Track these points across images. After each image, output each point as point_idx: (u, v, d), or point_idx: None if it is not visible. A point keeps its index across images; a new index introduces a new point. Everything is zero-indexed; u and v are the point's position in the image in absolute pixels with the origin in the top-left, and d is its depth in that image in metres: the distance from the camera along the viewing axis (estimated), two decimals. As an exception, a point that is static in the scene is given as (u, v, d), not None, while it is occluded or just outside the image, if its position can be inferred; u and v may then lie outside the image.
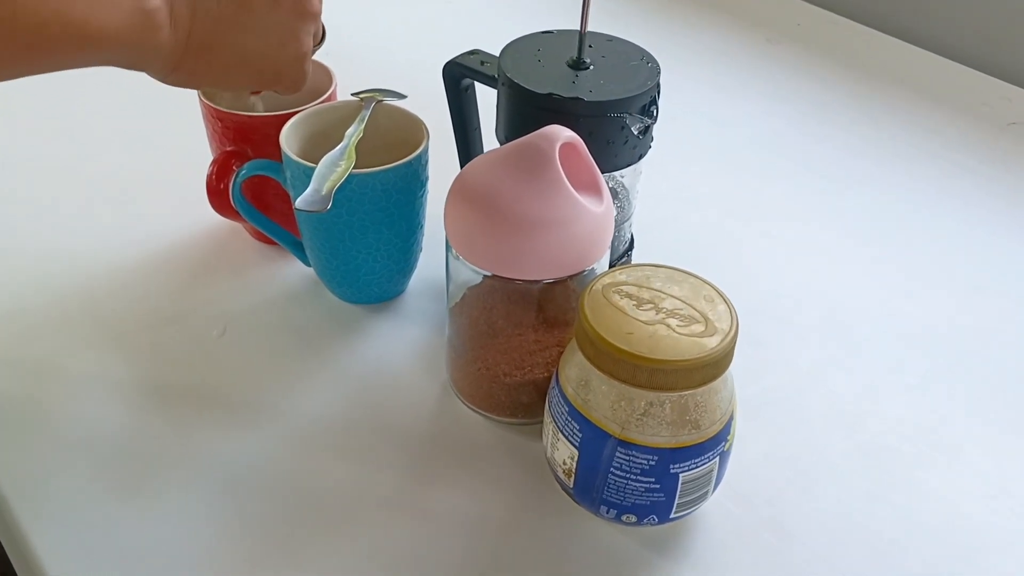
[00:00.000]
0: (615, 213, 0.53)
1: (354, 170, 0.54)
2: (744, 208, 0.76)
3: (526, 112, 0.55)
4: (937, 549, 0.50)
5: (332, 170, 0.53)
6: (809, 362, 0.61)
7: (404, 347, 0.60)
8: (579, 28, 0.56)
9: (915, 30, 1.01)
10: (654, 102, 0.56)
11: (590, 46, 0.57)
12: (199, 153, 0.65)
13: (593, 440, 0.46)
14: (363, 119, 0.59)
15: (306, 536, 0.49)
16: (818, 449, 0.55)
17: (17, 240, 0.68)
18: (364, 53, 0.90)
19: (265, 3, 0.49)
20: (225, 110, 0.61)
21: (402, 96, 0.62)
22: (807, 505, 0.52)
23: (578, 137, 0.49)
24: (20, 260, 0.66)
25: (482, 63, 0.60)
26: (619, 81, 0.55)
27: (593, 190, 0.50)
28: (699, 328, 0.45)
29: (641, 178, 0.61)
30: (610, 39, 0.59)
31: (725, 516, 0.51)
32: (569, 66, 0.56)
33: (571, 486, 0.49)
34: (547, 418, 0.50)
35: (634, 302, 0.46)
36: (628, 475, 0.46)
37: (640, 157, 0.58)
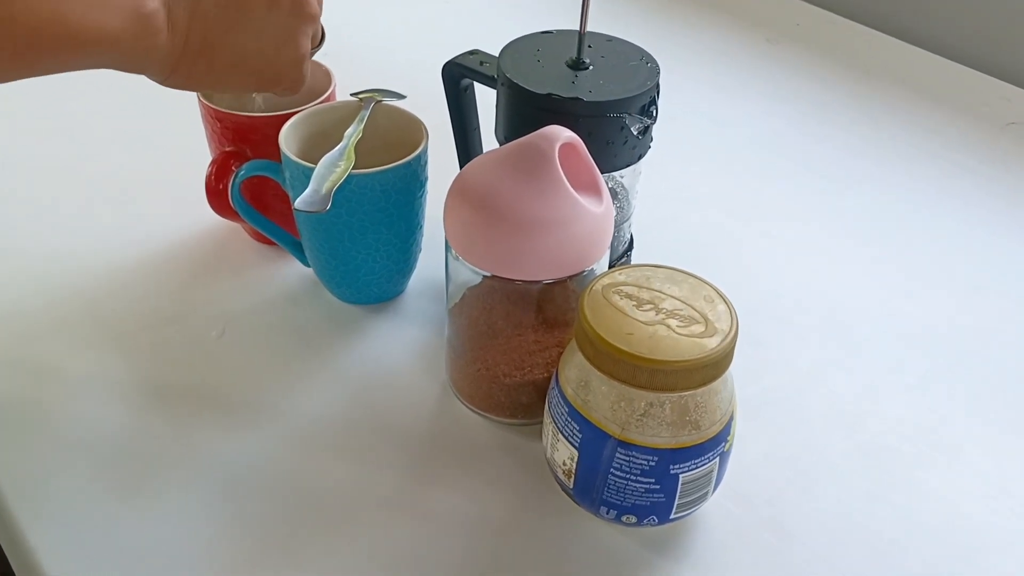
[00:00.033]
0: (615, 213, 0.53)
1: (353, 170, 0.54)
2: (744, 208, 0.76)
3: (525, 112, 0.55)
4: (937, 549, 0.50)
5: (331, 170, 0.53)
6: (809, 362, 0.61)
7: (403, 348, 0.60)
8: (578, 28, 0.56)
9: (915, 30, 1.01)
10: (654, 102, 0.56)
11: (589, 46, 0.57)
12: (198, 153, 0.65)
13: (593, 441, 0.46)
14: (362, 119, 0.59)
15: (306, 536, 0.49)
16: (818, 449, 0.55)
17: (17, 240, 0.68)
18: (363, 53, 0.90)
19: (263, 5, 0.49)
20: (224, 110, 0.61)
21: (401, 96, 0.62)
22: (807, 505, 0.52)
23: (577, 137, 0.49)
24: (20, 260, 0.66)
25: (481, 63, 0.60)
26: (618, 81, 0.55)
27: (593, 190, 0.50)
28: (699, 328, 0.45)
29: (641, 178, 0.61)
30: (609, 39, 0.59)
31: (725, 516, 0.51)
32: (568, 66, 0.56)
33: (571, 487, 0.49)
34: (547, 419, 0.50)
35: (634, 302, 0.46)
36: (628, 476, 0.46)
37: (640, 157, 0.58)
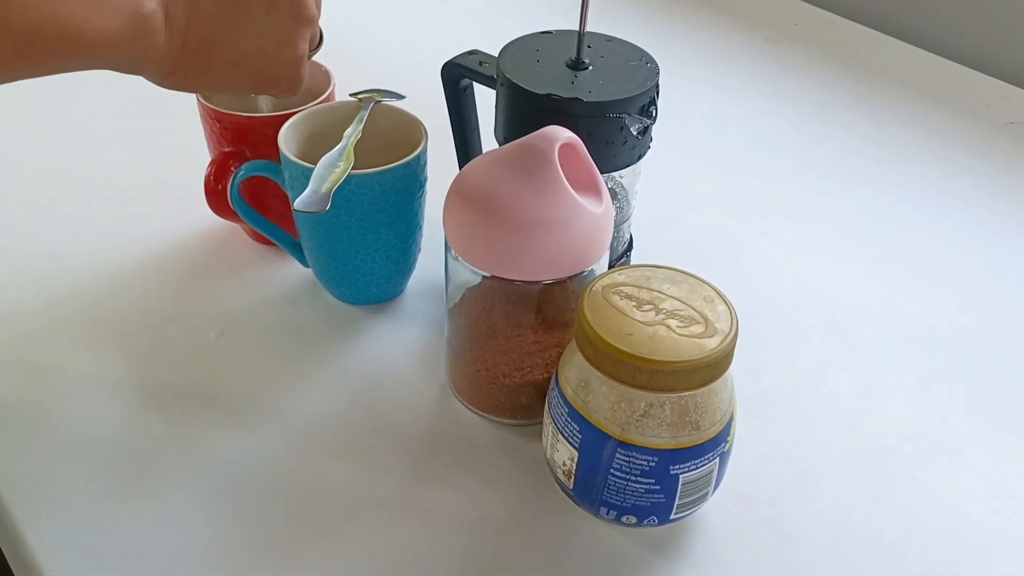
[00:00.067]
0: (614, 214, 0.53)
1: (353, 171, 0.54)
2: (744, 208, 0.75)
3: (525, 112, 0.55)
4: (937, 549, 0.50)
5: (331, 171, 0.53)
6: (809, 362, 0.61)
7: (403, 348, 0.60)
8: (578, 28, 0.56)
9: (915, 30, 1.01)
10: (653, 102, 0.56)
11: (589, 46, 0.57)
12: (198, 154, 0.65)
13: (593, 441, 0.46)
14: (361, 119, 0.59)
15: (306, 536, 0.49)
16: (818, 449, 0.55)
17: (17, 240, 0.68)
18: (363, 53, 0.90)
19: (262, 7, 0.49)
20: (223, 111, 0.61)
21: (400, 96, 0.62)
22: (807, 505, 0.52)
23: (577, 138, 0.49)
24: (19, 260, 0.66)
25: (481, 63, 0.60)
26: (618, 81, 0.55)
27: (592, 191, 0.50)
28: (699, 329, 0.45)
29: (640, 178, 0.61)
30: (609, 39, 0.59)
31: (725, 516, 0.51)
32: (568, 66, 0.56)
33: (571, 487, 0.49)
34: (547, 419, 0.50)
35: (634, 303, 0.46)
36: (628, 476, 0.46)
37: (639, 157, 0.58)
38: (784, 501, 0.52)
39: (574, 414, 0.47)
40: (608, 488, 0.47)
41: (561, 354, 0.50)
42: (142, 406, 0.56)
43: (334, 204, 0.52)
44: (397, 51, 0.93)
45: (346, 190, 0.54)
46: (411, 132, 0.59)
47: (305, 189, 0.52)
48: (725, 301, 0.46)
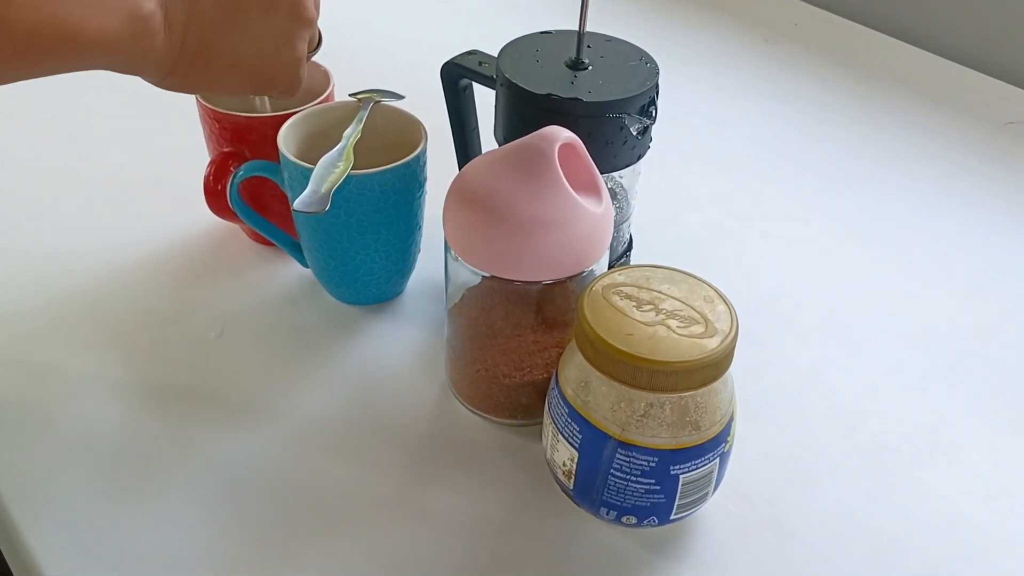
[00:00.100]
0: (614, 214, 0.53)
1: (352, 171, 0.54)
2: (744, 208, 0.75)
3: (525, 113, 0.55)
4: (937, 549, 0.50)
5: (330, 171, 0.53)
6: (809, 362, 0.61)
7: (403, 348, 0.60)
8: (578, 28, 0.56)
9: (914, 30, 1.01)
10: (653, 102, 0.56)
11: (589, 46, 0.57)
12: (198, 154, 0.65)
13: (593, 441, 0.46)
14: (361, 120, 0.59)
15: (306, 536, 0.49)
16: (818, 449, 0.55)
17: (17, 240, 0.68)
18: (362, 53, 0.90)
19: (261, 8, 0.49)
20: (223, 111, 0.61)
21: (400, 97, 0.62)
22: (807, 505, 0.52)
23: (577, 138, 0.49)
24: (19, 260, 0.66)
25: (480, 63, 0.60)
26: (618, 81, 0.55)
27: (592, 191, 0.50)
28: (699, 329, 0.45)
29: (640, 178, 0.61)
30: (609, 39, 0.59)
31: (725, 516, 0.51)
32: (568, 66, 0.56)
33: (571, 488, 0.49)
34: (547, 419, 0.50)
35: (634, 303, 0.46)
36: (628, 476, 0.46)
37: (639, 158, 0.58)
38: (784, 501, 0.52)
39: (574, 414, 0.47)
40: (608, 488, 0.47)
41: (561, 354, 0.50)
42: (142, 406, 0.56)
43: (334, 204, 0.52)
44: (397, 51, 0.93)
45: (346, 190, 0.54)
46: (411, 132, 0.59)
47: (304, 189, 0.52)
48: (725, 301, 0.46)
